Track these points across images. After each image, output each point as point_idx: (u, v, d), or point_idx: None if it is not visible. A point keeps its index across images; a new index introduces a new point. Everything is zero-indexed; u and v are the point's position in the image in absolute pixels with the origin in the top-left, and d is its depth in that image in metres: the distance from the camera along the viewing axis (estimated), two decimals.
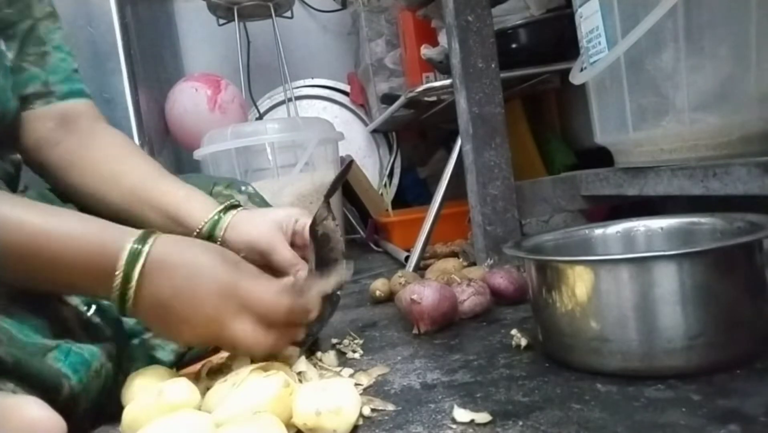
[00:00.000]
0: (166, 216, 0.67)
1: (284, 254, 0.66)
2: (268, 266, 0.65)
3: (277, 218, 0.68)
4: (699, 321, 0.48)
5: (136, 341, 0.61)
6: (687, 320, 0.48)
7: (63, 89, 0.70)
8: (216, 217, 0.67)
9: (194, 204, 0.68)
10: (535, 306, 0.59)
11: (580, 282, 0.51)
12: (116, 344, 0.57)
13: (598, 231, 0.67)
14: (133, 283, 0.50)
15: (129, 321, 0.61)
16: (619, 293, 0.49)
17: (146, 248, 0.50)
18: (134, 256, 0.50)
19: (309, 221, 0.67)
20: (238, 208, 0.69)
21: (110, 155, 0.70)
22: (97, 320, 0.55)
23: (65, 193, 0.71)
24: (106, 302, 0.57)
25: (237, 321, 0.52)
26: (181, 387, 0.50)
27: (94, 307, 0.56)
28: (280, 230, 0.67)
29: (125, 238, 0.51)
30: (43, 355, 0.48)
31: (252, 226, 0.67)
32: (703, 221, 0.61)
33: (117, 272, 0.50)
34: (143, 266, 0.50)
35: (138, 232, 0.52)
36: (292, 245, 0.68)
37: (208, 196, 0.71)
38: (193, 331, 0.53)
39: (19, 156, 0.71)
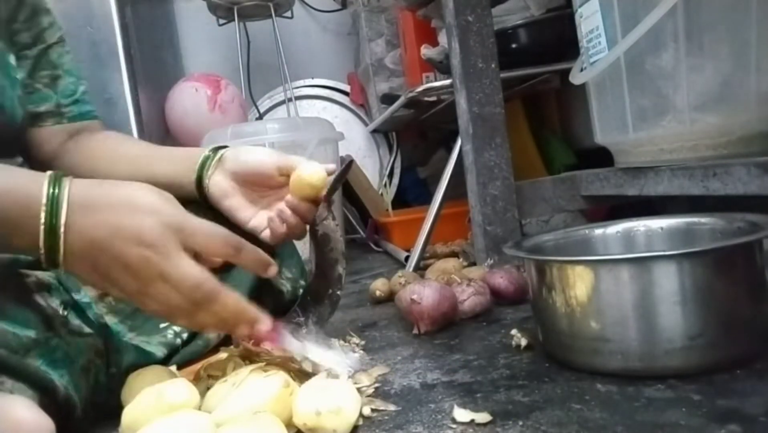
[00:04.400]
0: (165, 178, 0.68)
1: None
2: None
3: (265, 150, 0.68)
4: (699, 321, 0.48)
5: (124, 338, 0.61)
6: (687, 320, 0.48)
7: (74, 111, 0.76)
8: (204, 156, 0.67)
9: (194, 158, 0.68)
10: (535, 306, 0.59)
11: (580, 282, 0.51)
12: (103, 339, 0.57)
13: (598, 231, 0.67)
14: (61, 224, 0.47)
15: (110, 321, 0.61)
16: (619, 293, 0.49)
17: (65, 190, 0.47)
18: (54, 199, 0.47)
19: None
20: (224, 148, 0.69)
21: (109, 143, 0.75)
22: (76, 321, 0.55)
23: None
24: (84, 300, 0.57)
25: (180, 256, 0.49)
26: (181, 387, 0.50)
27: (67, 312, 0.55)
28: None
29: (39, 182, 0.47)
30: (26, 353, 0.48)
31: (251, 153, 0.67)
32: (703, 220, 0.61)
33: (41, 220, 0.47)
34: (68, 207, 0.47)
35: (48, 174, 0.48)
36: None
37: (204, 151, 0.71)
38: (127, 271, 0.49)
39: (20, 158, 0.73)
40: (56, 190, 0.47)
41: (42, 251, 0.47)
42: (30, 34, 0.72)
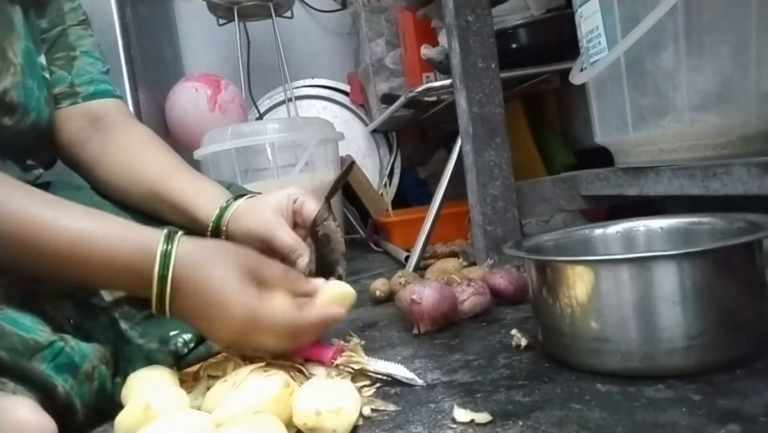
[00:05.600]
0: (180, 213, 0.70)
1: (284, 239, 0.66)
2: (272, 252, 0.66)
3: (276, 201, 0.68)
4: (699, 321, 0.48)
5: (134, 344, 0.61)
6: (687, 320, 0.48)
7: (89, 90, 0.76)
8: (219, 212, 0.69)
9: (203, 200, 0.70)
10: (535, 306, 0.59)
11: (580, 282, 0.51)
12: (112, 347, 0.56)
13: (598, 231, 0.67)
14: (168, 287, 0.52)
15: (124, 326, 0.61)
16: (619, 293, 0.49)
17: (173, 251, 0.53)
18: (166, 257, 0.53)
19: (308, 200, 0.67)
20: (242, 198, 0.70)
21: (130, 151, 0.74)
22: (87, 325, 0.55)
23: (95, 188, 0.75)
24: (101, 305, 0.57)
25: (261, 336, 0.55)
26: (168, 396, 0.50)
27: (80, 316, 0.56)
28: (279, 214, 0.67)
29: (154, 239, 0.54)
30: (31, 356, 0.48)
31: (252, 215, 0.67)
32: (703, 220, 0.61)
33: (154, 275, 0.52)
34: (174, 269, 0.53)
35: (162, 233, 0.54)
36: (295, 224, 0.67)
37: (219, 189, 0.72)
38: (224, 336, 0.56)
39: (41, 171, 0.74)
40: (169, 247, 0.53)
41: (153, 297, 0.53)
42: (48, 20, 0.74)
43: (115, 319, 0.57)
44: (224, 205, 0.69)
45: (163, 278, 0.52)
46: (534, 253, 0.62)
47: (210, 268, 0.54)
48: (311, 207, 0.67)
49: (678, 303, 0.47)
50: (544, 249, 0.65)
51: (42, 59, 0.72)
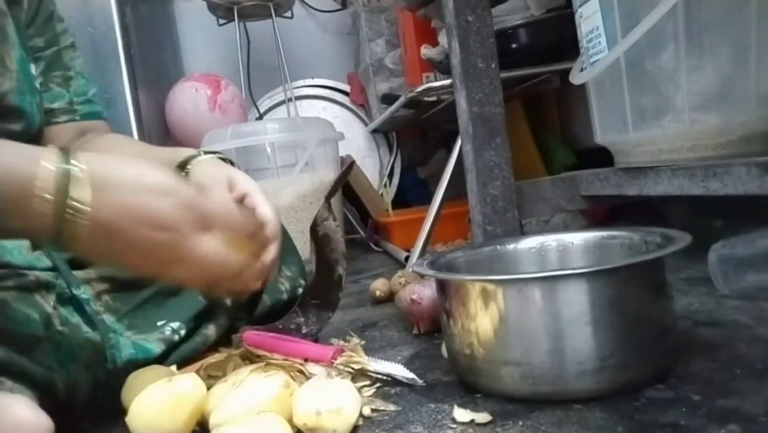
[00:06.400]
0: None
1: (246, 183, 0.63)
2: None
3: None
4: (609, 341, 0.46)
5: (121, 336, 0.61)
6: (597, 340, 0.46)
7: (84, 110, 0.80)
8: (189, 155, 0.66)
9: (184, 152, 0.67)
10: (443, 329, 0.56)
11: (486, 302, 0.48)
12: (100, 336, 0.57)
13: (510, 246, 0.65)
14: (71, 207, 0.43)
15: (108, 320, 0.61)
16: (527, 314, 0.47)
17: (76, 168, 0.43)
18: (64, 177, 0.43)
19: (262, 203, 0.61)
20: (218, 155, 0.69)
21: (111, 144, 0.77)
22: (74, 318, 0.56)
23: None
24: (84, 296, 0.58)
25: (200, 237, 0.47)
26: (189, 378, 0.50)
27: (64, 308, 0.55)
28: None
29: (43, 157, 0.43)
30: (30, 351, 0.48)
31: (223, 167, 0.65)
32: (617, 234, 0.60)
33: (48, 197, 0.42)
34: (78, 186, 0.43)
35: (54, 150, 0.44)
36: None
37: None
38: (145, 255, 0.46)
39: None
40: (66, 166, 0.43)
41: (50, 234, 0.43)
42: (44, 39, 0.77)
43: (98, 310, 0.58)
44: (197, 153, 0.66)
45: (61, 207, 0.42)
46: (449, 271, 0.59)
47: (131, 173, 0.46)
48: (264, 212, 0.59)
49: (588, 323, 0.46)
50: (456, 266, 0.62)
51: (33, 68, 0.75)
